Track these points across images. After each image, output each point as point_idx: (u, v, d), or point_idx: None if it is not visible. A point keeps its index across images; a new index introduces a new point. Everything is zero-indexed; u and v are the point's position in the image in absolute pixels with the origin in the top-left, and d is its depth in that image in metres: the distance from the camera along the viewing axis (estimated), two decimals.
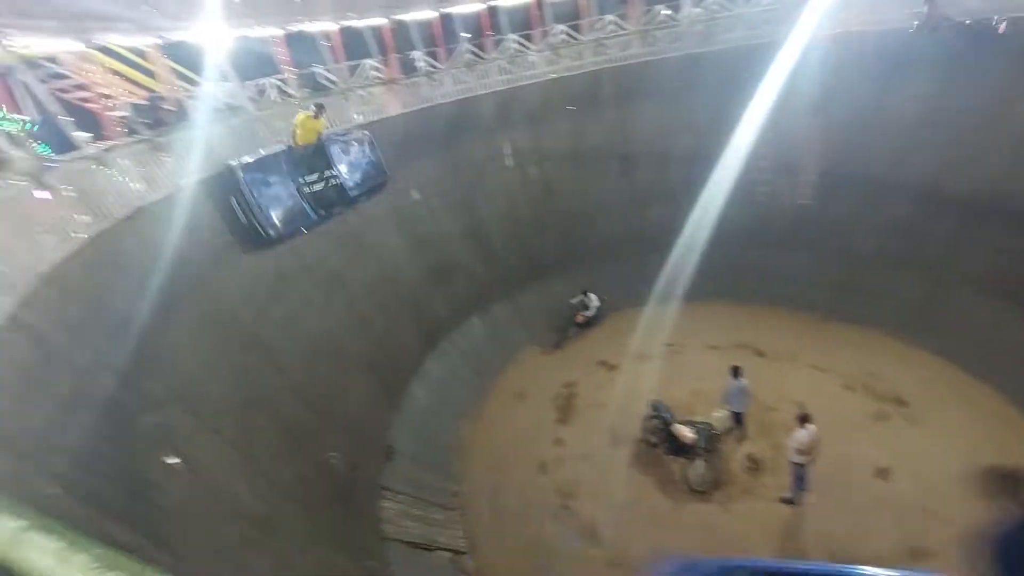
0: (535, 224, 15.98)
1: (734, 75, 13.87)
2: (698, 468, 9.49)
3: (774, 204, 14.56)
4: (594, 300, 14.52)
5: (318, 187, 10.99)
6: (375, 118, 13.26)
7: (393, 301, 12.54)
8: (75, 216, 7.13)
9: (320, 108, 10.67)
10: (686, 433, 9.68)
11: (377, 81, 13.97)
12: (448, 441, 11.58)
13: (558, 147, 15.91)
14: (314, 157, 10.94)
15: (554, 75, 15.68)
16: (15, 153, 7.40)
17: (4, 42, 8.34)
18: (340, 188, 11.44)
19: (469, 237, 14.92)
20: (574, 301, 14.54)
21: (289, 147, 10.54)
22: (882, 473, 9.13)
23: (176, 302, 7.23)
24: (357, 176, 11.83)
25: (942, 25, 11.59)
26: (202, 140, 9.18)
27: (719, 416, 10.37)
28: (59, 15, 9.41)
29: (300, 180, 10.63)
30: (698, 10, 15.21)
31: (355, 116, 12.65)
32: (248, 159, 9.70)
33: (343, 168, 11.47)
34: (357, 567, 7.54)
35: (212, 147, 9.48)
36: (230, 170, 9.45)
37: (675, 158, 15.59)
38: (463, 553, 9.18)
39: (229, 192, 9.47)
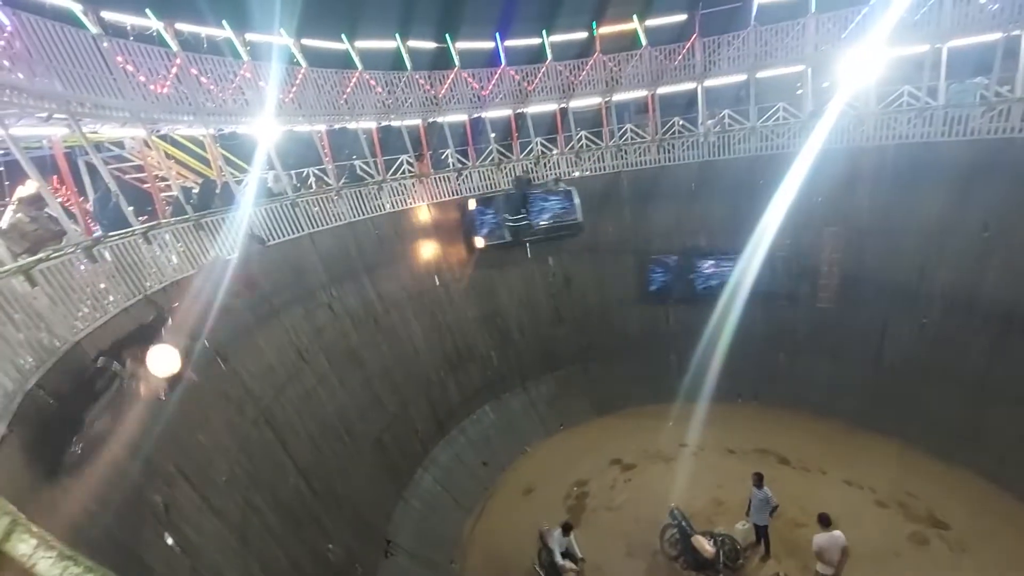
0: (552, 315, 16.16)
1: (750, 181, 14.52)
2: None
3: (794, 307, 14.56)
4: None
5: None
6: (403, 208, 14.06)
7: (407, 384, 12.50)
8: (113, 288, 7.50)
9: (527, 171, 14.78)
10: (706, 547, 9.03)
11: (410, 174, 14.92)
12: (451, 537, 10.96)
13: (577, 242, 16.44)
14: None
15: (576, 174, 16.61)
16: (71, 228, 7.96)
17: (81, 128, 9.23)
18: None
19: (486, 325, 15.09)
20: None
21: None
22: None
23: (189, 381, 7.31)
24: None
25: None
26: (241, 221, 9.76)
27: (741, 529, 9.72)
28: (131, 107, 10.48)
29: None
30: (712, 122, 16.28)
31: (386, 205, 13.41)
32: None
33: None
34: None
35: (251, 228, 10.06)
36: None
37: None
38: None
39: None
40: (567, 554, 9.46)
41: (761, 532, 9.56)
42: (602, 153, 16.81)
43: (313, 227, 11.79)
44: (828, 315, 14.10)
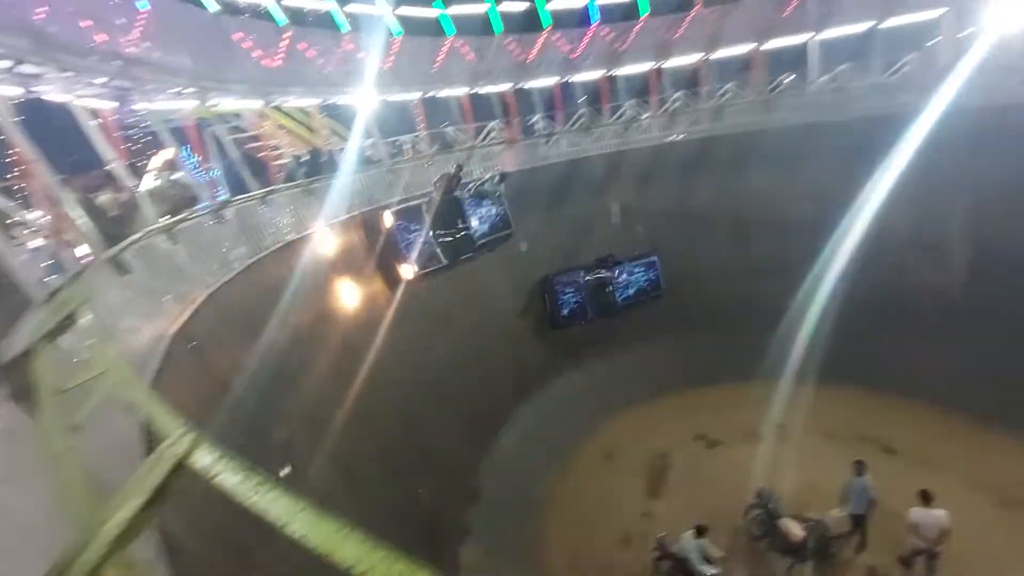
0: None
1: (865, 144, 13.02)
2: (805, 572, 8.40)
3: (912, 284, 13.09)
4: None
5: (449, 238, 12.19)
6: (493, 174, 14.21)
7: (495, 346, 12.92)
8: (237, 247, 8.37)
9: (459, 168, 11.99)
10: (795, 530, 8.65)
11: (499, 140, 15.01)
12: (532, 493, 11.38)
13: (667, 208, 15.79)
14: (449, 209, 12.10)
15: (668, 139, 15.82)
16: (203, 192, 8.94)
17: (207, 102, 10.24)
18: (468, 238, 12.63)
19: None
20: None
21: (429, 199, 11.90)
22: None
23: (305, 326, 8.07)
24: (485, 228, 13.05)
25: None
26: (345, 187, 10.41)
27: (836, 516, 9.17)
28: (248, 80, 11.39)
29: (436, 230, 11.94)
30: (825, 78, 14.66)
31: (476, 171, 13.63)
32: (397, 209, 11.42)
33: (473, 221, 12.75)
34: None
35: (353, 194, 10.70)
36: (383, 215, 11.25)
37: (796, 226, 14.74)
38: None
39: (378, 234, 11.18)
40: (707, 559, 8.51)
41: (858, 522, 8.98)
42: (698, 115, 15.81)
43: (408, 193, 12.29)
44: (962, 295, 12.54)
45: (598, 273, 14.48)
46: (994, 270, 11.95)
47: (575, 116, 15.98)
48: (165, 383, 4.98)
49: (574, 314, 14.44)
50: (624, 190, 15.83)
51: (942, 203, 12.39)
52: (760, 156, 14.95)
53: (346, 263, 10.11)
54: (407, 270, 11.18)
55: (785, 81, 15.20)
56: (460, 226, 12.34)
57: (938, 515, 7.64)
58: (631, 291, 14.61)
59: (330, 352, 8.64)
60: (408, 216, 11.50)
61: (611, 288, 14.58)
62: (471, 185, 12.52)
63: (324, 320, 8.84)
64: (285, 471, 6.16)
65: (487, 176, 13.05)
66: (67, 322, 2.44)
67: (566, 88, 17.70)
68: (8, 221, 6.54)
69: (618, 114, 16.16)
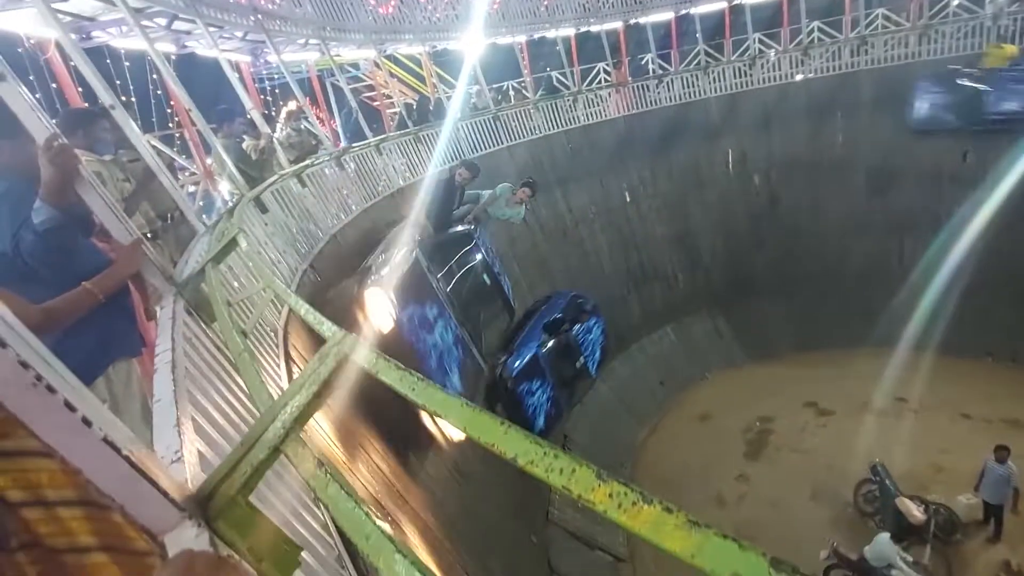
0: (753, 239, 14.70)
1: None
2: (923, 555, 7.78)
3: None
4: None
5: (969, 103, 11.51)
6: (596, 120, 13.69)
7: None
8: (355, 191, 8.97)
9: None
10: (914, 511, 7.97)
11: (607, 84, 14.34)
12: (624, 444, 11.51)
13: (793, 156, 14.31)
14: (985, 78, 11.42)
15: (799, 76, 14.12)
16: (325, 139, 9.58)
17: (329, 51, 10.78)
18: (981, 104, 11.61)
19: (676, 244, 14.46)
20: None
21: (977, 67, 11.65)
22: None
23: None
24: (1013, 105, 11.47)
25: None
26: (452, 135, 10.62)
27: (965, 503, 8.32)
28: (364, 29, 11.78)
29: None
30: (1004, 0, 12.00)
31: (581, 117, 13.24)
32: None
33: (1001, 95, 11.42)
34: (525, 535, 8.06)
35: (459, 141, 10.91)
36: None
37: (949, 178, 12.74)
38: (622, 560, 9.10)
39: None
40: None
41: (993, 512, 8.08)
42: (839, 48, 13.86)
43: (511, 140, 12.28)
44: None
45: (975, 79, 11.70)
46: None
47: (692, 54, 14.71)
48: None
49: (931, 119, 12.25)
50: (743, 136, 14.55)
51: None
52: (911, 95, 12.87)
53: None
54: None
55: (953, 4, 12.73)
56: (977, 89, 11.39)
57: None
58: (1012, 105, 11.42)
59: None
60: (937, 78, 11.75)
61: (985, 97, 11.60)
62: None
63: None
64: None
65: None
66: (229, 247, 2.80)
67: (683, 22, 16.27)
68: (172, 163, 7.51)
69: (742, 50, 14.62)
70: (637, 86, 14.20)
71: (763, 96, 14.33)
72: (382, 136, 10.05)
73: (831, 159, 14.04)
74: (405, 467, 5.21)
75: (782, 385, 12.39)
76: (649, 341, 13.57)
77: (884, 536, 7.40)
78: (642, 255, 13.94)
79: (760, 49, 14.63)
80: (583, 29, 14.32)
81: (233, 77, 8.20)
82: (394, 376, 1.07)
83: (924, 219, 12.89)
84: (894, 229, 13.42)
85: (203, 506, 1.10)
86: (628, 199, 13.77)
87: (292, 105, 12.79)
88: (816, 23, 14.17)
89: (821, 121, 14.05)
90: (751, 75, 14.31)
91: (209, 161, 8.22)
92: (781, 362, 13.24)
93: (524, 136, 12.58)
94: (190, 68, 9.29)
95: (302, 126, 9.18)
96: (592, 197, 13.40)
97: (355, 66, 14.09)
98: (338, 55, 12.24)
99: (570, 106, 13.46)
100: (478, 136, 11.62)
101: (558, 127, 13.11)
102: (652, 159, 14.16)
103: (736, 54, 14.81)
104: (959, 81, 11.76)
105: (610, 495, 0.65)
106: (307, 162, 7.81)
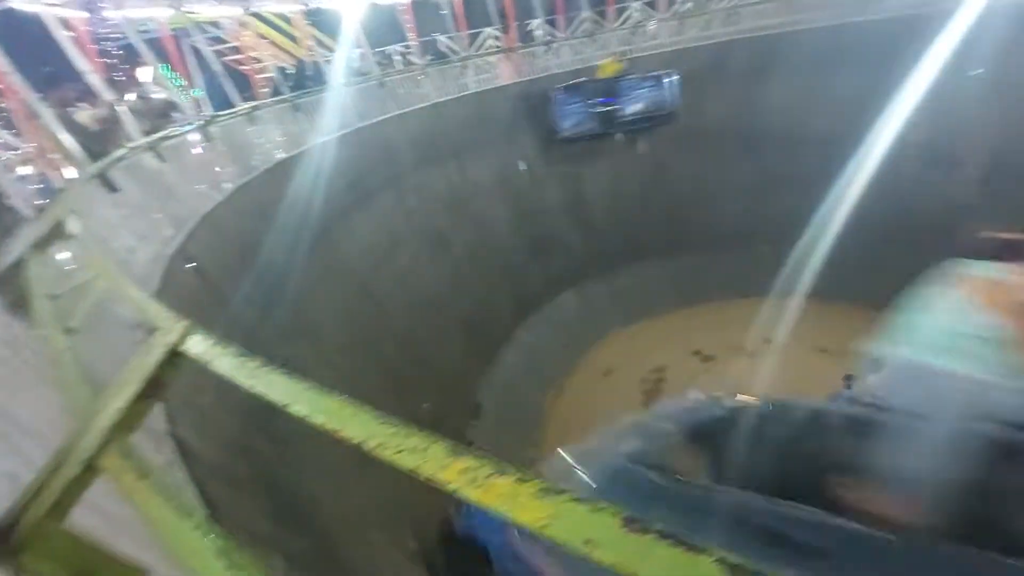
0: (641, 203, 15.50)
1: (890, 49, 12.22)
2: None
3: (923, 199, 12.86)
4: None
5: (601, 110, 13.88)
6: (488, 87, 13.49)
7: (491, 267, 12.92)
8: (227, 166, 8.11)
9: (620, 56, 13.60)
10: None
11: (495, 50, 14.11)
12: (532, 408, 11.87)
13: (674, 126, 15.17)
14: (606, 88, 13.77)
15: (677, 46, 14.86)
16: (186, 107, 8.52)
17: (182, 7, 9.49)
18: (615, 114, 14.06)
19: (571, 211, 14.86)
20: None
21: (592, 79, 13.67)
22: None
23: (304, 248, 8.00)
24: (637, 107, 14.12)
25: None
26: (335, 102, 9.91)
27: None
28: None
29: (589, 103, 13.73)
30: None
31: (471, 84, 12.95)
32: (562, 85, 13.52)
33: (624, 100, 13.99)
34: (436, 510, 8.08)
35: (342, 109, 10.22)
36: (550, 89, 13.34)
37: (809, 141, 14.22)
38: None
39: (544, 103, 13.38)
40: None
41: None
42: (710, 18, 14.75)
43: (400, 108, 11.75)
44: (965, 212, 12.34)
45: (605, 102, 14.00)
46: (1006, 182, 11.69)
47: (578, 21, 14.88)
48: (167, 302, 5.00)
49: (579, 124, 13.95)
50: None
51: (963, 112, 11.88)
52: (778, 65, 14.05)
53: (343, 182, 9.84)
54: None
55: None
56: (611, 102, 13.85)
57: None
58: (637, 107, 14.21)
59: (330, 272, 8.64)
60: (570, 90, 13.47)
61: (616, 107, 14.10)
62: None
63: (323, 240, 8.75)
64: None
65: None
66: (55, 232, 2.37)
67: None
68: None
69: (623, 18, 15.06)
70: (526, 52, 14.14)
71: (647, 64, 14.91)
72: (254, 104, 9.13)
73: (710, 126, 15.06)
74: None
75: (671, 337, 13.40)
76: (551, 307, 13.96)
77: None
78: (539, 222, 14.17)
79: (641, 18, 15.16)
80: None
81: (61, 34, 6.98)
82: (230, 365, 0.93)
83: (790, 180, 14.36)
84: (764, 189, 14.81)
85: (3, 538, 0.90)
86: (523, 167, 13.84)
87: (145, 68, 11.27)
88: None
89: (700, 89, 14.95)
90: (633, 43, 14.82)
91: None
92: (670, 316, 14.28)
93: (414, 104, 12.09)
94: (8, 25, 7.77)
95: (152, 92, 8.08)
96: (488, 168, 13.30)
97: (216, 25, 12.57)
98: (194, 12, 10.86)
99: (460, 72, 13.11)
100: (363, 104, 10.97)
101: (449, 94, 12.74)
102: (545, 127, 14.29)
103: (619, 22, 15.22)
104: (590, 100, 13.86)
105: (464, 471, 0.59)
106: (163, 133, 6.91)
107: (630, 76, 13.82)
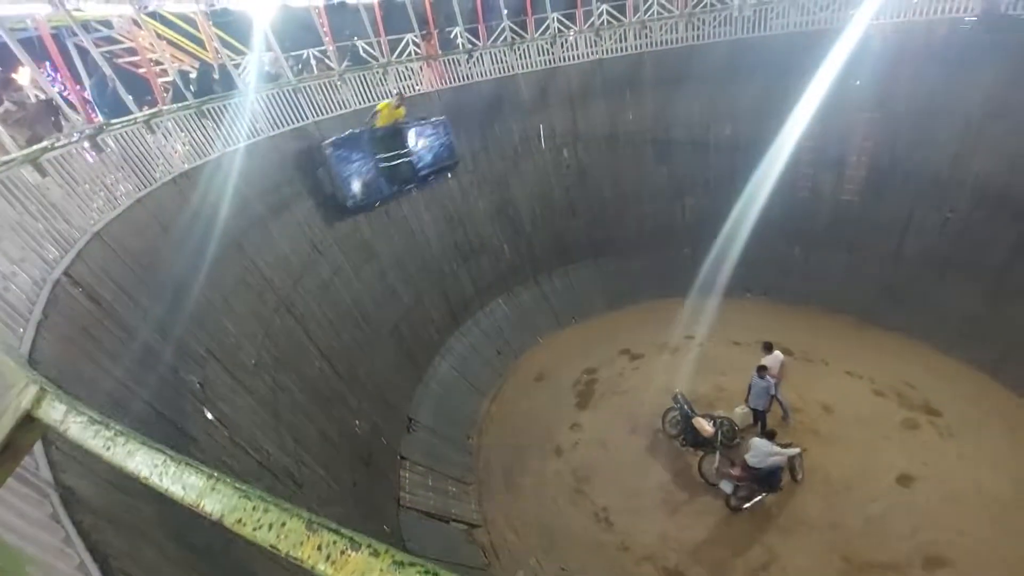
0: (567, 208, 15.91)
1: (784, 63, 13.37)
2: (714, 461, 9.48)
3: (816, 199, 14.13)
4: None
5: (392, 164, 12.04)
6: (412, 94, 13.30)
7: (420, 276, 12.74)
8: (122, 178, 7.45)
9: (401, 97, 11.79)
10: (705, 426, 9.66)
11: (416, 56, 13.96)
12: (467, 417, 11.82)
13: (594, 131, 15.72)
14: (392, 139, 11.94)
15: (595, 57, 15.41)
16: (72, 115, 7.74)
17: (64, 5, 8.62)
18: (411, 167, 12.47)
19: (499, 217, 14.97)
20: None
21: (370, 128, 11.55)
22: (904, 480, 8.95)
23: (215, 264, 7.51)
24: (429, 157, 12.86)
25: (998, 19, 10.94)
26: (244, 108, 9.39)
27: (740, 412, 10.31)
28: None
29: (378, 158, 11.73)
30: None
31: (393, 90, 12.71)
32: (335, 138, 10.97)
33: (417, 149, 12.55)
34: (373, 529, 7.83)
35: (253, 115, 9.71)
36: (319, 147, 10.79)
37: (715, 147, 15.25)
38: (477, 527, 9.44)
39: (317, 164, 10.88)
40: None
41: (759, 416, 10.14)
42: (624, 31, 15.41)
43: (318, 115, 11.34)
44: (850, 208, 13.72)
45: (394, 153, 11.98)
46: (885, 183, 13.08)
47: (498, 30, 15.06)
48: (54, 330, 4.52)
49: (370, 189, 11.52)
50: (551, 112, 15.47)
51: (848, 120, 13.17)
52: (685, 76, 14.96)
53: (255, 193, 9.34)
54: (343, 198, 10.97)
55: None
56: (402, 153, 12.11)
57: (778, 355, 10.14)
58: (429, 157, 12.73)
59: (246, 288, 8.15)
60: (347, 144, 11.08)
61: (409, 159, 12.30)
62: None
63: (236, 255, 8.24)
64: (208, 415, 5.93)
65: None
66: None
67: None
68: None
69: (543, 28, 15.42)
70: (448, 60, 14.10)
71: (566, 75, 15.35)
72: (153, 110, 8.45)
73: (626, 134, 15.74)
74: None
75: (601, 339, 13.85)
76: (483, 314, 14.00)
77: (758, 440, 8.58)
78: (467, 229, 14.17)
79: (559, 28, 15.57)
80: None
81: None
82: (87, 433, 0.85)
83: (697, 183, 15.30)
84: (676, 194, 15.67)
85: None
86: (449, 175, 13.77)
87: (23, 71, 10.23)
88: (605, 6, 15.50)
89: (615, 99, 15.58)
90: (552, 53, 15.19)
91: None
92: (599, 319, 14.76)
93: (332, 111, 11.70)
94: None
95: (29, 98, 7.27)
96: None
97: (107, 24, 11.53)
98: (79, 9, 9.90)
99: (381, 79, 12.85)
100: (278, 110, 10.48)
101: (368, 101, 12.44)
102: (469, 134, 14.33)
103: (538, 32, 15.55)
104: (377, 154, 11.60)
105: (319, 547, 0.57)
106: (44, 143, 6.23)
107: (411, 123, 12.21)
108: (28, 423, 0.96)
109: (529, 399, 12.29)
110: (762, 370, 9.87)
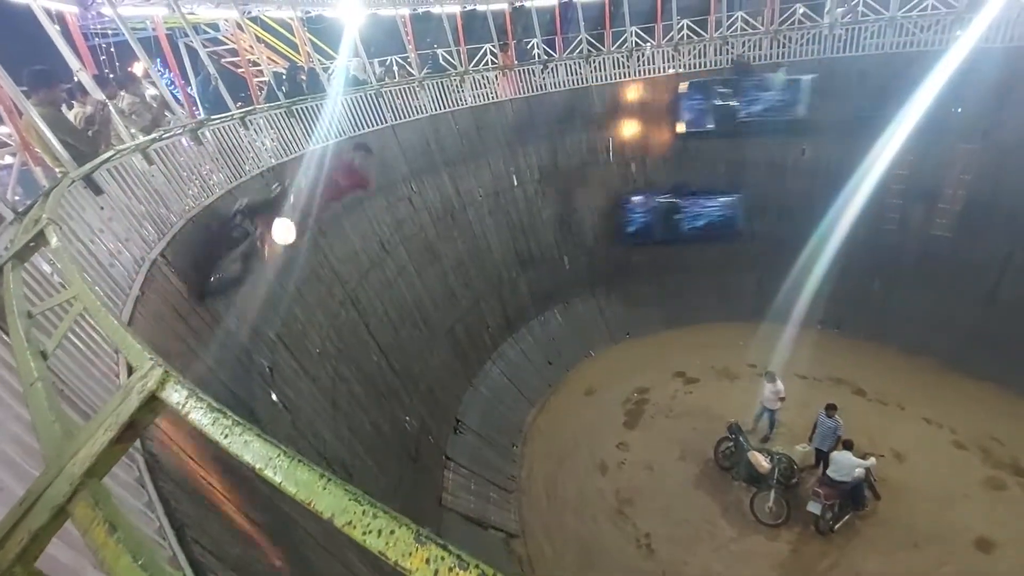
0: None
1: (876, 85, 12.62)
2: (768, 500, 8.99)
3: (902, 232, 13.16)
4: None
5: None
6: (487, 101, 13.59)
7: (480, 280, 12.93)
8: (216, 169, 8.04)
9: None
10: (761, 461, 9.17)
11: (493, 66, 14.25)
12: (514, 424, 11.83)
13: (664, 147, 15.41)
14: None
15: (671, 71, 15.14)
16: (177, 109, 8.45)
17: (180, 8, 9.45)
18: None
19: (561, 228, 14.95)
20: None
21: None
22: (983, 544, 8.13)
23: (291, 255, 7.94)
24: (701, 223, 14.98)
25: None
26: (329, 110, 9.91)
27: (801, 451, 9.72)
28: None
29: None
30: (841, 10, 13.86)
31: (468, 99, 13.03)
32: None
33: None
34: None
35: (337, 117, 10.22)
36: None
37: (794, 171, 14.55)
38: (515, 536, 9.41)
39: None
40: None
41: (822, 457, 9.53)
42: (704, 46, 15.05)
43: (396, 119, 11.79)
44: (941, 244, 12.66)
45: (670, 197, 14.69)
46: (983, 220, 12.02)
47: (575, 42, 15.11)
48: (149, 306, 4.92)
49: (639, 233, 14.90)
50: (621, 125, 15.33)
51: (945, 150, 12.23)
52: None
53: (331, 192, 9.79)
54: None
55: (799, 11, 14.34)
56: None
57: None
58: (700, 223, 14.71)
59: (317, 280, 8.57)
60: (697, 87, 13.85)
61: (680, 215, 14.74)
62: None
63: (311, 248, 8.69)
64: (273, 398, 6.27)
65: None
66: (37, 242, 2.33)
67: (567, 10, 16.64)
68: None
69: (620, 41, 15.32)
70: (523, 70, 14.29)
71: (639, 88, 15.18)
72: (248, 108, 9.09)
73: (696, 150, 15.32)
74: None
75: (655, 358, 13.49)
76: (537, 322, 14.00)
77: (838, 454, 8.49)
78: (529, 238, 14.24)
79: (637, 42, 15.43)
80: (468, 8, 14.07)
81: (52, 30, 6.91)
82: (206, 419, 0.93)
83: (773, 207, 14.63)
84: (746, 215, 15.05)
85: None
86: (515, 183, 13.93)
87: (139, 68, 11.19)
88: (686, 21, 15.23)
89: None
90: (628, 67, 15.06)
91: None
92: (655, 338, 14.38)
93: (409, 115, 12.13)
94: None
95: (147, 93, 8.00)
96: (480, 180, 13.37)
97: (214, 27, 12.54)
98: (192, 12, 10.84)
99: (457, 86, 13.20)
100: (360, 113, 10.98)
101: (445, 107, 12.81)
102: (538, 144, 14.44)
103: (615, 45, 15.47)
104: (714, 99, 14.21)
105: (427, 560, 0.59)
106: (154, 135, 6.83)
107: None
108: (150, 402, 1.06)
109: (577, 413, 12.14)
110: (831, 409, 9.29)
